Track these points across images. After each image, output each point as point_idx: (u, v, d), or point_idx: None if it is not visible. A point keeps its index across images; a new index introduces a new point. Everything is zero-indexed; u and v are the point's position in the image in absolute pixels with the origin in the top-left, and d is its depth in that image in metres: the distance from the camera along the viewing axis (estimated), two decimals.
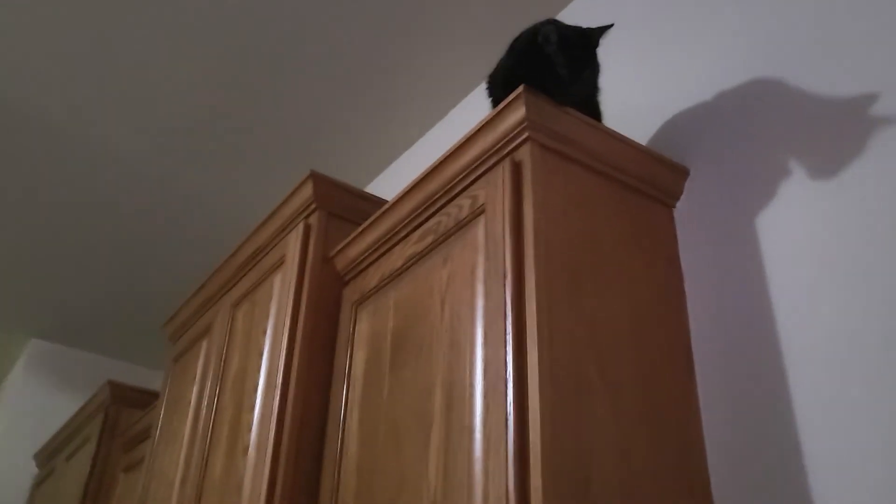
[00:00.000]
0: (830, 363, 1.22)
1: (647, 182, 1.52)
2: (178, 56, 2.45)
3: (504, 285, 1.27)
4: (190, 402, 2.15)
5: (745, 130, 1.51)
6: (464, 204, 1.46)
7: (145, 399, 3.00)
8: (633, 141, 1.52)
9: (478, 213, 1.41)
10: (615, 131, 1.49)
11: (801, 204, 1.36)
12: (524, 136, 1.37)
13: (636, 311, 1.37)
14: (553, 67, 1.40)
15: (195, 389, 2.15)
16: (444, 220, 1.50)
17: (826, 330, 1.25)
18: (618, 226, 1.44)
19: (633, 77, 1.85)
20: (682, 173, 1.57)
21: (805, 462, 1.20)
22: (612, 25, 1.48)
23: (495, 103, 1.51)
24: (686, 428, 1.33)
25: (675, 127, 1.67)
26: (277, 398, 1.66)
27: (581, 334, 1.26)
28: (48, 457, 3.56)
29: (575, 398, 1.19)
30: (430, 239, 1.53)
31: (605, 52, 1.63)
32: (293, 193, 1.94)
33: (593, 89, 1.54)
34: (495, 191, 1.38)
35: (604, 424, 1.21)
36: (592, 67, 1.47)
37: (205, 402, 2.04)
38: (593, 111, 1.53)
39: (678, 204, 1.56)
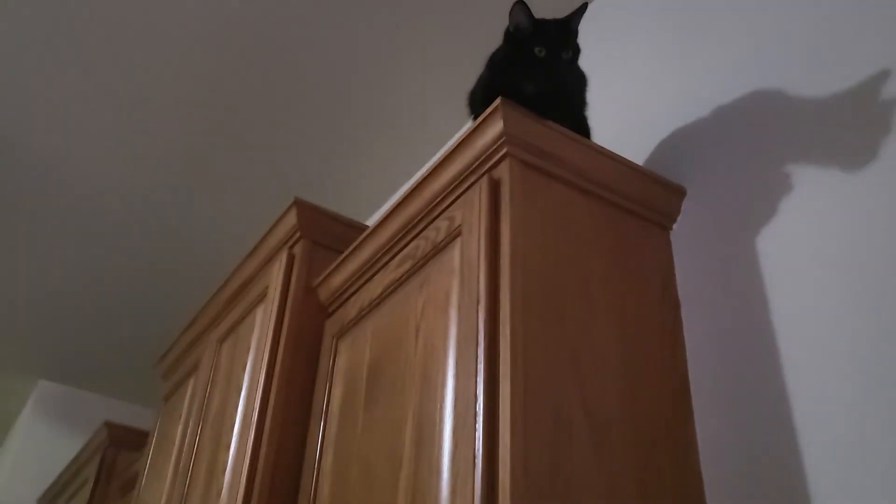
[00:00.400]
0: (842, 398, 1.09)
1: (641, 202, 1.42)
2: (168, 91, 2.42)
3: (477, 311, 1.17)
4: (174, 442, 2.06)
5: (744, 146, 1.41)
6: (441, 226, 1.37)
7: (143, 440, 2.91)
8: (625, 158, 1.42)
9: (454, 235, 1.32)
10: (604, 148, 1.40)
11: (806, 223, 1.25)
12: (503, 152, 1.28)
13: (626, 340, 1.25)
14: (530, 55, 1.32)
15: (180, 428, 2.06)
16: (422, 244, 1.41)
17: (836, 361, 1.12)
18: (607, 249, 1.33)
19: (625, 93, 1.76)
20: (678, 193, 1.47)
21: None
22: (585, 6, 1.38)
23: (475, 120, 1.43)
24: (682, 467, 1.21)
25: (671, 144, 1.57)
26: (252, 437, 1.56)
27: (561, 364, 1.15)
28: (50, 500, 3.47)
29: (552, 434, 1.08)
30: (408, 265, 1.44)
31: (596, 68, 1.55)
32: (278, 222, 1.86)
33: (580, 103, 1.45)
34: (472, 211, 1.29)
35: (586, 463, 1.09)
36: (573, 52, 1.37)
37: (186, 442, 1.95)
38: (580, 127, 1.44)
39: (674, 226, 1.46)
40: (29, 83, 2.39)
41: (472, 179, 1.33)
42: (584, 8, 1.38)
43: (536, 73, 1.34)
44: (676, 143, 1.56)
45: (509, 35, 1.39)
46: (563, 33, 1.36)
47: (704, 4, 1.65)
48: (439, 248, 1.36)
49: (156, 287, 3.27)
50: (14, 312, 3.54)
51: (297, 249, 1.79)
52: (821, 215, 1.23)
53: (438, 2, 2.14)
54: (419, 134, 2.41)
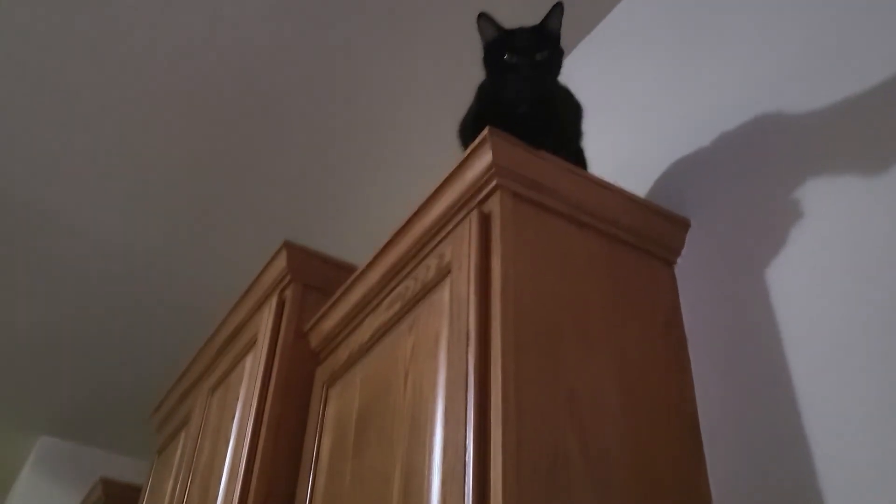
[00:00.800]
0: (863, 435, 1.01)
1: (642, 236, 1.35)
2: (159, 135, 2.38)
3: (467, 352, 1.09)
4: (165, 496, 1.97)
5: (749, 174, 1.34)
6: (431, 264, 1.30)
7: (138, 495, 2.81)
8: (623, 189, 1.35)
9: (444, 273, 1.25)
10: (601, 178, 1.33)
11: (816, 251, 1.17)
12: (492, 185, 1.22)
13: (628, 378, 1.17)
14: (503, 64, 1.27)
15: (170, 482, 1.97)
16: (412, 284, 1.34)
17: (855, 395, 1.04)
18: (606, 285, 1.26)
19: (623, 123, 1.70)
20: (681, 225, 1.40)
21: None
22: (559, 5, 1.31)
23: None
24: None
25: (672, 174, 1.50)
26: (238, 491, 1.47)
27: (557, 406, 1.06)
28: None
29: (548, 483, 0.99)
30: (397, 306, 1.36)
31: (592, 98, 1.50)
32: (267, 266, 1.80)
33: (575, 133, 1.39)
34: (461, 247, 1.21)
35: None
36: (550, 52, 1.30)
37: (176, 496, 1.86)
38: (576, 158, 1.37)
39: (679, 260, 1.38)
40: (23, 134, 2.36)
41: (461, 214, 1.26)
42: (557, 7, 1.31)
43: (510, 81, 1.29)
44: (678, 173, 1.49)
45: (484, 52, 1.35)
46: (536, 35, 1.30)
47: (701, 31, 1.60)
48: (429, 288, 1.28)
49: (153, 336, 3.20)
50: (14, 368, 3.48)
51: (288, 293, 1.72)
52: (831, 243, 1.15)
53: (433, 48, 2.12)
54: (411, 175, 2.36)
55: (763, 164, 1.33)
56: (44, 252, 2.79)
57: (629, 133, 1.68)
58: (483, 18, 1.32)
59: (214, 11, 2.05)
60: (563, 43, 1.37)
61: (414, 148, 2.38)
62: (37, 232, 2.70)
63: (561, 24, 1.32)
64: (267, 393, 1.59)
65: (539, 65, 1.28)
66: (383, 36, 2.11)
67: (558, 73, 1.34)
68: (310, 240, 1.80)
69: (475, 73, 1.39)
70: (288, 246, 1.73)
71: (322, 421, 1.49)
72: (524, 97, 1.29)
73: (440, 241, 1.30)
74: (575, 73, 1.51)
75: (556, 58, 1.32)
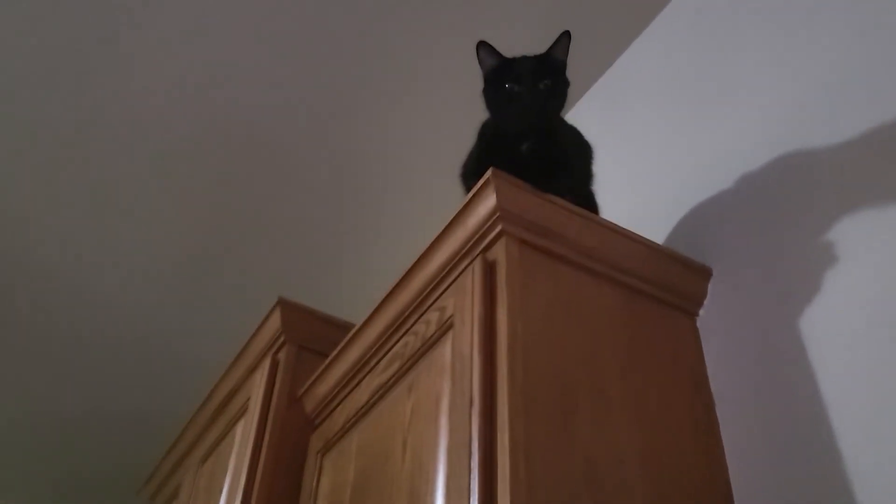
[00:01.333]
0: None
1: (661, 286, 1.24)
2: (158, 197, 2.31)
3: (470, 415, 0.97)
4: None
5: (771, 219, 1.24)
6: (431, 318, 1.19)
7: None
8: (639, 236, 1.25)
9: (446, 327, 1.14)
10: (615, 224, 1.23)
11: (850, 297, 1.07)
12: (497, 230, 1.12)
13: (652, 443, 1.05)
14: (504, 93, 1.20)
15: None
16: (412, 340, 1.23)
17: None
18: (623, 338, 1.14)
19: (638, 166, 1.61)
20: (703, 274, 1.29)
21: None
22: (566, 34, 1.25)
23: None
24: None
25: (691, 220, 1.40)
26: None
27: (573, 475, 0.94)
28: None
29: None
30: (396, 365, 1.25)
31: (606, 141, 1.41)
32: (261, 326, 1.69)
33: (586, 176, 1.29)
34: (464, 298, 1.11)
35: None
36: (553, 81, 1.22)
37: None
38: (587, 202, 1.27)
39: (701, 311, 1.27)
40: (14, 189, 2.29)
41: (464, 263, 1.16)
42: (564, 36, 1.25)
43: (512, 110, 1.21)
44: (696, 219, 1.39)
45: (484, 82, 1.28)
46: (539, 63, 1.23)
47: (714, 73, 1.53)
48: (429, 345, 1.17)
49: (146, 402, 3.08)
50: (8, 441, 3.36)
51: (282, 355, 1.61)
52: (865, 289, 1.05)
53: (431, 100, 2.06)
54: (410, 230, 2.27)
55: (784, 207, 1.23)
56: (33, 308, 2.69)
57: (643, 178, 1.59)
58: (482, 47, 1.25)
59: (213, 70, 2.00)
60: (573, 88, 1.29)
61: (414, 202, 2.30)
62: (25, 287, 2.61)
63: (567, 53, 1.25)
64: (258, 463, 1.46)
65: (542, 94, 1.20)
66: (382, 90, 2.05)
67: (563, 104, 1.27)
68: (307, 297, 1.70)
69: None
70: (283, 303, 1.63)
71: (316, 493, 1.36)
72: (526, 127, 1.21)
73: (442, 293, 1.20)
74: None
75: (560, 88, 1.24)
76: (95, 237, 2.45)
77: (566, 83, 1.25)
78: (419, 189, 2.27)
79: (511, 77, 1.21)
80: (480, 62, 1.27)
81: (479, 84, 1.29)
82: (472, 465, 0.92)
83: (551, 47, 1.24)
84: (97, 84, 2.02)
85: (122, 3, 1.86)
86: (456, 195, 1.33)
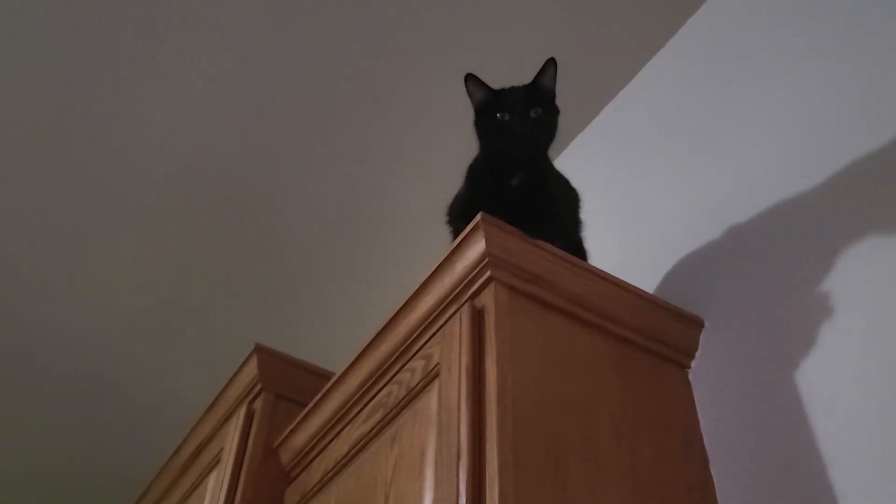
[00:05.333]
0: None
1: (652, 336, 1.21)
2: (133, 241, 2.27)
3: (457, 470, 0.93)
4: None
5: (765, 268, 1.22)
6: (416, 367, 1.15)
7: None
8: (631, 285, 1.22)
9: (432, 376, 1.10)
10: (605, 272, 1.20)
11: (848, 349, 1.04)
12: (486, 276, 1.08)
13: (645, 503, 1.00)
14: (494, 122, 1.19)
15: None
16: (396, 389, 1.18)
17: None
18: (615, 391, 1.10)
19: (629, 214, 1.59)
20: (695, 325, 1.26)
21: None
22: (552, 60, 1.25)
23: (455, 238, 1.23)
24: None
25: (682, 270, 1.37)
26: None
27: None
28: None
29: None
30: (378, 415, 1.20)
31: (595, 188, 1.39)
32: (237, 373, 1.63)
33: (574, 223, 1.27)
34: (451, 346, 1.07)
35: None
36: (543, 109, 1.22)
37: None
38: (576, 249, 1.25)
39: (693, 363, 1.23)
40: None
41: (451, 310, 1.12)
42: (549, 63, 1.25)
43: (504, 140, 1.20)
44: (687, 269, 1.37)
45: (475, 115, 1.27)
46: (528, 94, 1.23)
47: (708, 119, 1.52)
48: (414, 394, 1.13)
49: (119, 454, 2.98)
50: None
51: (258, 404, 1.55)
52: (862, 339, 1.03)
53: (411, 151, 2.05)
54: (393, 277, 2.23)
55: (778, 257, 1.21)
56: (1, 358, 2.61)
57: (632, 227, 1.57)
58: (470, 79, 1.26)
59: (188, 117, 1.98)
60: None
61: (397, 247, 2.27)
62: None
63: (555, 80, 1.26)
64: None
65: (534, 122, 1.20)
66: (363, 136, 2.04)
67: (554, 133, 1.26)
68: (285, 344, 1.65)
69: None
70: (259, 350, 1.57)
71: None
72: (520, 156, 1.20)
73: (427, 341, 1.15)
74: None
75: (551, 116, 1.24)
76: (67, 283, 2.39)
77: (556, 111, 1.26)
78: (402, 234, 2.24)
79: (501, 107, 1.20)
80: (470, 95, 1.27)
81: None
82: None
83: (538, 75, 1.25)
84: (77, 140, 2.00)
85: (101, 71, 1.87)
86: (440, 241, 1.30)
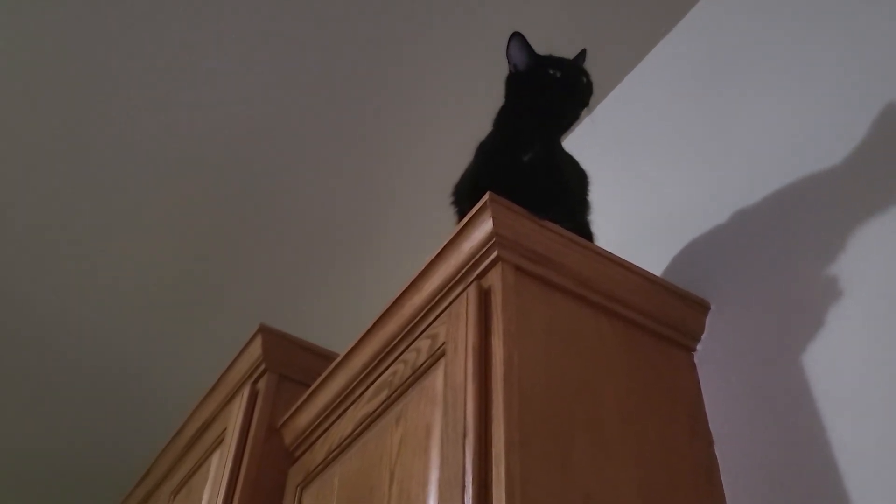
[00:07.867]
0: None
1: (658, 319, 1.20)
2: (135, 222, 2.27)
3: (464, 448, 0.92)
4: None
5: (773, 252, 1.21)
6: (422, 346, 1.14)
7: None
8: (638, 268, 1.21)
9: (438, 355, 1.09)
10: (613, 254, 1.19)
11: (855, 333, 1.04)
12: (493, 256, 1.08)
13: (650, 483, 1.00)
14: (546, 79, 1.20)
15: None
16: (401, 368, 1.18)
17: None
18: (621, 372, 1.10)
19: (635, 198, 1.59)
20: (701, 308, 1.26)
21: None
22: (584, 52, 1.28)
23: (461, 218, 1.23)
24: None
25: (689, 253, 1.37)
26: None
27: None
28: None
29: None
30: (383, 394, 1.20)
31: (603, 171, 1.38)
32: (241, 353, 1.63)
33: (582, 205, 1.26)
34: (457, 326, 1.07)
35: None
36: (588, 80, 1.25)
37: None
38: (582, 231, 1.24)
39: (699, 346, 1.23)
40: None
41: (458, 289, 1.12)
42: (582, 54, 1.28)
43: (559, 93, 1.21)
44: (694, 252, 1.36)
45: (511, 82, 1.27)
46: (578, 63, 1.26)
47: (716, 103, 1.51)
48: (420, 373, 1.13)
49: (123, 434, 2.99)
50: None
51: (262, 384, 1.55)
52: (870, 324, 1.02)
53: (420, 131, 2.04)
54: (399, 259, 2.23)
55: (784, 241, 1.21)
56: (9, 342, 2.61)
57: (640, 210, 1.56)
58: (516, 38, 1.24)
59: (196, 99, 1.98)
60: None
61: (403, 227, 2.27)
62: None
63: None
64: (233, 497, 1.39)
65: (586, 87, 1.24)
66: (374, 117, 2.03)
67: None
68: (289, 325, 1.65)
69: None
70: (264, 330, 1.57)
71: None
72: (566, 111, 1.23)
73: (433, 321, 1.15)
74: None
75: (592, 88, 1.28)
76: (74, 265, 2.39)
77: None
78: (408, 214, 2.24)
79: (554, 66, 1.21)
80: (512, 54, 1.26)
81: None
82: (466, 499, 0.87)
83: (576, 59, 1.27)
84: (69, 113, 1.99)
85: (114, 70, 1.89)
86: (446, 221, 1.29)
